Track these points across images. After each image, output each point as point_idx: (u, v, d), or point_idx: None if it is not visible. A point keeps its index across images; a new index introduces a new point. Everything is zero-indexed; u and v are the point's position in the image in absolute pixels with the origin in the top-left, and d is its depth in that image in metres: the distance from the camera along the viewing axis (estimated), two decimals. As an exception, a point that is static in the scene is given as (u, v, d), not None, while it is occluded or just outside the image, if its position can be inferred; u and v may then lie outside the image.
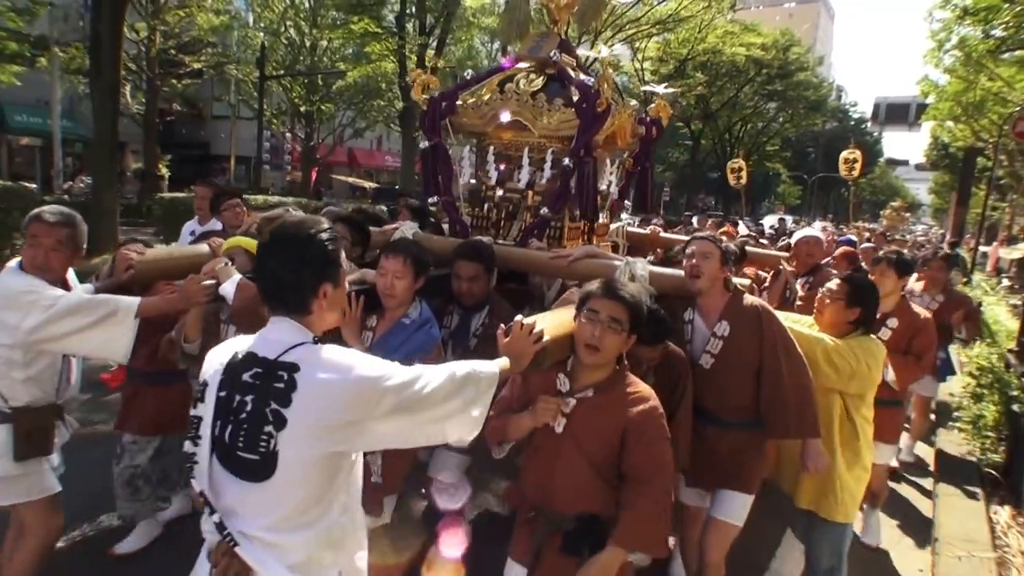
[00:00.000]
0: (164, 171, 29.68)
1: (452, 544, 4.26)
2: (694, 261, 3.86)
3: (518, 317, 2.71)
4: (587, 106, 4.79)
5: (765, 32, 40.46)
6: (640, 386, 2.97)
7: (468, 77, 5.54)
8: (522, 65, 5.43)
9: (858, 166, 14.50)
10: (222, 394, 2.03)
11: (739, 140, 46.08)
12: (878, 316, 4.87)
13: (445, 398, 2.18)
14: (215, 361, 2.12)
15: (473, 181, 5.41)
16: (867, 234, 14.59)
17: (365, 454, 3.38)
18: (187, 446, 2.07)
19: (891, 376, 4.66)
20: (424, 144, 5.38)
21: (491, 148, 5.30)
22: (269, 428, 1.94)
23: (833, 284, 4.13)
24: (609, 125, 5.10)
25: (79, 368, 3.77)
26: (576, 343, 2.90)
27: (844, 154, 14.69)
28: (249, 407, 1.97)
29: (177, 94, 31.46)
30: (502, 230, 5.26)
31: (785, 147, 54.26)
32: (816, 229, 6.65)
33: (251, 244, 3.92)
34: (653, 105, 6.02)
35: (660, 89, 6.11)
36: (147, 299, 3.46)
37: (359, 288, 3.65)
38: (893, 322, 5.19)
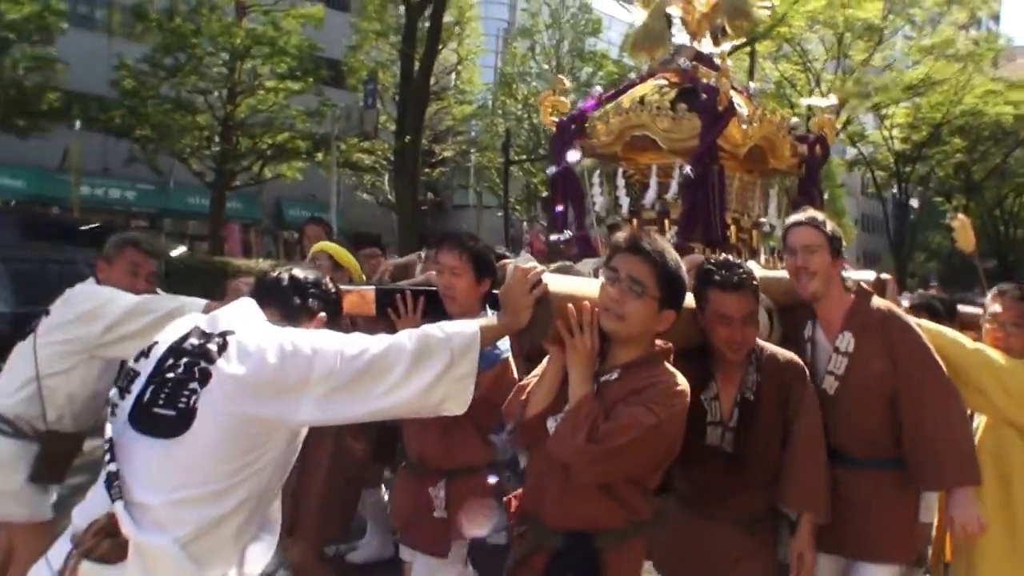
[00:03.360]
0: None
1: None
2: (797, 258, 2.95)
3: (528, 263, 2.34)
4: (707, 105, 4.40)
5: (1038, 86, 36.09)
6: (671, 372, 2.33)
7: (597, 95, 5.16)
8: (658, 81, 5.02)
9: (960, 235, 11.90)
10: (163, 356, 2.03)
11: (1013, 216, 40.53)
12: None
13: (397, 362, 2.04)
14: (178, 327, 2.14)
15: (604, 213, 5.01)
16: None
17: (428, 485, 3.16)
18: (113, 394, 2.06)
19: None
20: (552, 170, 5.03)
21: (620, 172, 4.89)
22: (193, 384, 1.92)
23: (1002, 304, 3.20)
24: (751, 135, 4.64)
25: None
26: (599, 307, 2.31)
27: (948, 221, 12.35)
28: (180, 368, 1.96)
29: (428, 184, 33.44)
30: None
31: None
32: None
33: (335, 249, 4.14)
34: (815, 120, 5.33)
35: (823, 103, 5.44)
36: (213, 303, 3.32)
37: (421, 289, 3.30)
38: None
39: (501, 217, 32.54)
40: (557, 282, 2.30)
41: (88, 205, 22.32)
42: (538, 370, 2.57)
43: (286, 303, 2.22)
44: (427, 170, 29.53)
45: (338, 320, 2.40)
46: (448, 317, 3.10)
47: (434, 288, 3.26)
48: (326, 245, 4.19)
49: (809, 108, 5.20)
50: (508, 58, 34.92)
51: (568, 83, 5.40)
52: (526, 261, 4.41)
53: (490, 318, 2.32)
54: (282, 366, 1.94)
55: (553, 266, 4.09)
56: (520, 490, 2.69)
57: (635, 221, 4.92)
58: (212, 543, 1.93)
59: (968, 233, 10.58)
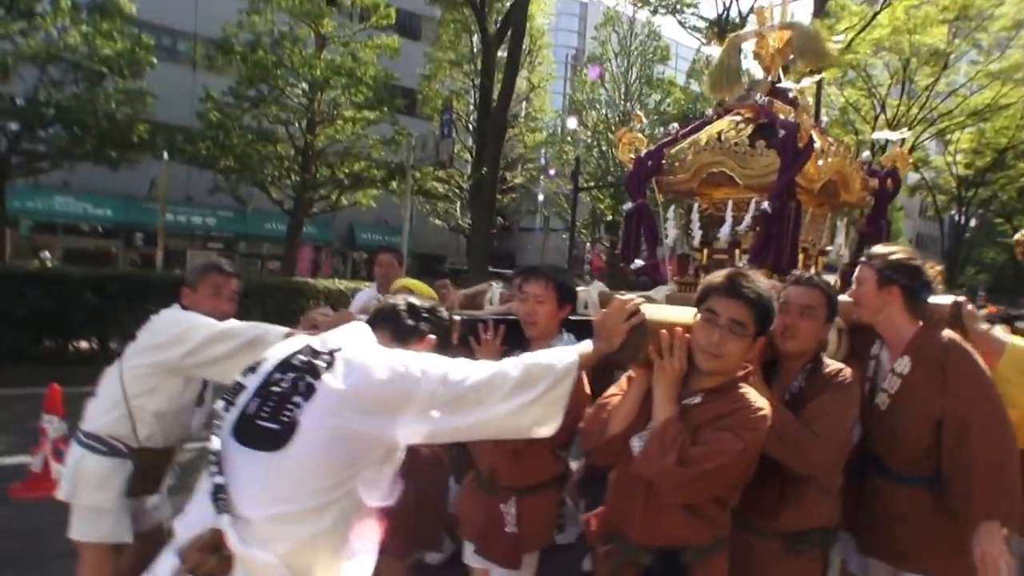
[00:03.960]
0: (488, 281, 31.95)
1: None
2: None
3: (632, 298, 2.47)
4: (787, 142, 4.48)
5: (1108, 110, 34.92)
6: (751, 394, 2.46)
7: (674, 132, 5.39)
8: (734, 117, 5.22)
9: None
10: (271, 372, 2.12)
11: None
12: None
13: (500, 388, 2.15)
14: (288, 345, 2.24)
15: (675, 245, 5.21)
16: None
17: (499, 502, 3.31)
18: (219, 405, 2.12)
19: None
20: (628, 205, 5.27)
21: (695, 207, 5.10)
22: (297, 399, 1.99)
23: None
24: (825, 170, 4.77)
25: (201, 417, 3.81)
26: (693, 346, 2.45)
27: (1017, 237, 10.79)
28: (286, 383, 2.04)
29: (497, 209, 33.78)
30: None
31: None
32: None
33: (416, 285, 4.23)
34: (888, 154, 5.48)
35: (894, 136, 5.58)
36: (295, 329, 3.35)
37: (501, 318, 3.47)
38: None
39: (565, 239, 32.44)
40: (652, 310, 2.44)
41: (172, 231, 23.12)
42: (614, 388, 2.71)
43: (397, 325, 2.31)
44: (497, 197, 30.01)
45: (448, 345, 2.46)
46: (527, 343, 3.33)
47: (513, 317, 3.42)
48: (407, 282, 4.32)
49: (876, 142, 5.29)
50: (577, 85, 34.97)
51: (644, 119, 5.61)
52: (597, 289, 4.67)
53: (586, 343, 2.40)
54: (389, 382, 2.02)
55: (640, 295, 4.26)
56: (600, 508, 2.81)
57: (706, 251, 5.06)
58: (312, 560, 1.97)
59: (1034, 247, 10.11)
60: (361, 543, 2.14)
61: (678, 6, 24.80)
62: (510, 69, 18.07)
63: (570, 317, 3.46)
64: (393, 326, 2.32)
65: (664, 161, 5.16)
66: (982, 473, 2.85)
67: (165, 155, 18.70)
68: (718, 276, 2.50)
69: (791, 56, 5.38)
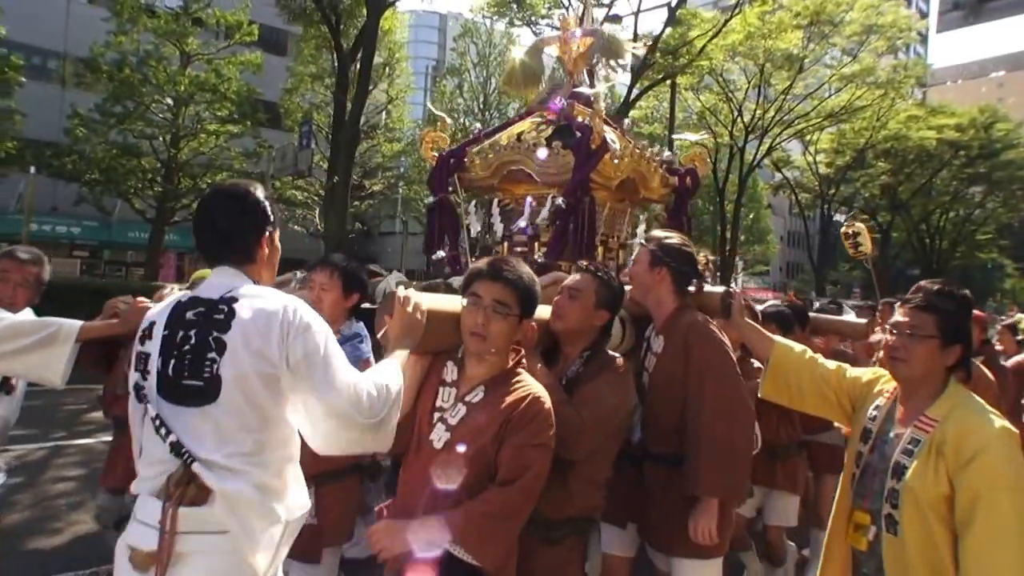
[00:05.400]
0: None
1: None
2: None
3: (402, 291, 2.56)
4: (581, 142, 4.66)
5: (959, 111, 36.19)
6: (530, 383, 2.55)
7: (476, 133, 5.48)
8: (536, 119, 5.34)
9: (865, 239, 10.20)
10: (167, 332, 2.11)
11: (940, 230, 41.38)
12: None
13: (357, 400, 2.14)
14: (160, 306, 2.24)
15: (478, 237, 5.31)
16: None
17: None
18: (135, 379, 2.14)
19: None
20: (430, 199, 5.40)
21: (496, 201, 5.23)
22: (212, 354, 2.03)
23: (902, 314, 2.53)
24: (622, 168, 4.96)
25: (14, 412, 3.76)
26: (463, 331, 2.57)
27: (844, 229, 10.59)
28: (193, 340, 2.06)
29: (356, 215, 33.80)
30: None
31: (1003, 234, 47.33)
32: None
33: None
34: (686, 154, 5.69)
35: (693, 137, 5.79)
36: (89, 323, 3.33)
37: None
38: None
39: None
40: (426, 300, 2.57)
41: (37, 240, 22.97)
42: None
43: (233, 248, 2.23)
44: (356, 203, 30.19)
45: (275, 226, 2.33)
46: None
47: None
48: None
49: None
50: (436, 96, 35.26)
51: (449, 121, 5.68)
52: (396, 278, 4.70)
53: (400, 353, 2.47)
54: (281, 328, 2.04)
55: (422, 284, 4.26)
56: (390, 500, 2.75)
57: (506, 244, 5.26)
58: (280, 484, 2.09)
59: (864, 240, 10.13)
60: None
61: (532, 18, 25.31)
62: (362, 83, 18.51)
63: (365, 306, 3.62)
64: (231, 253, 2.23)
65: (465, 159, 5.30)
66: (709, 449, 2.96)
67: (32, 169, 18.74)
68: (481, 263, 2.63)
69: (594, 61, 5.53)
